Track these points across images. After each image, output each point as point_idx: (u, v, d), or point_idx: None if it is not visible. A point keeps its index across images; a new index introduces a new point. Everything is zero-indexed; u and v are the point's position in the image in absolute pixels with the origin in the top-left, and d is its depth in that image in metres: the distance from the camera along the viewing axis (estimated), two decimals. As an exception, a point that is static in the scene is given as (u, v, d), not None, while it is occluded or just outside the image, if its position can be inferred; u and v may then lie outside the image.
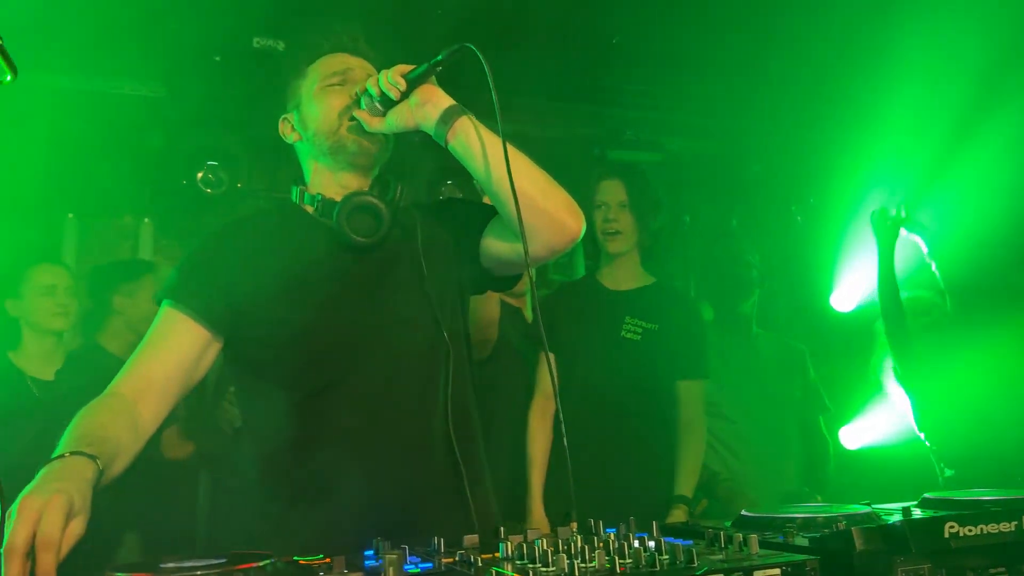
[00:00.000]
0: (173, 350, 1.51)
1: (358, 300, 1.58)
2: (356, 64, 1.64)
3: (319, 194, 1.61)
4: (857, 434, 3.47)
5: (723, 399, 2.91)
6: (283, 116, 1.69)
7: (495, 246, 1.60)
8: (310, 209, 1.62)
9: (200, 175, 3.59)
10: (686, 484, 2.56)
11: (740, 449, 2.93)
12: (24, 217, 3.79)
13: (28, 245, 3.78)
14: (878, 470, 3.21)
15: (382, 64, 1.56)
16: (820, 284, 4.02)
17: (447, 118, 1.48)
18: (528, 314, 2.89)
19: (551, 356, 2.65)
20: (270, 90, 3.65)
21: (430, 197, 3.52)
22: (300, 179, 1.70)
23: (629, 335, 2.64)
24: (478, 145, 1.47)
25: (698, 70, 3.97)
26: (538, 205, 1.45)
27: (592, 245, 2.74)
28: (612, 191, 2.68)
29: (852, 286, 3.87)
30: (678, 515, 2.49)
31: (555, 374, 1.50)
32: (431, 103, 1.49)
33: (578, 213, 1.52)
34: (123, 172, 3.88)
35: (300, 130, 1.65)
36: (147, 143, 3.82)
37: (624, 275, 2.73)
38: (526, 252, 1.42)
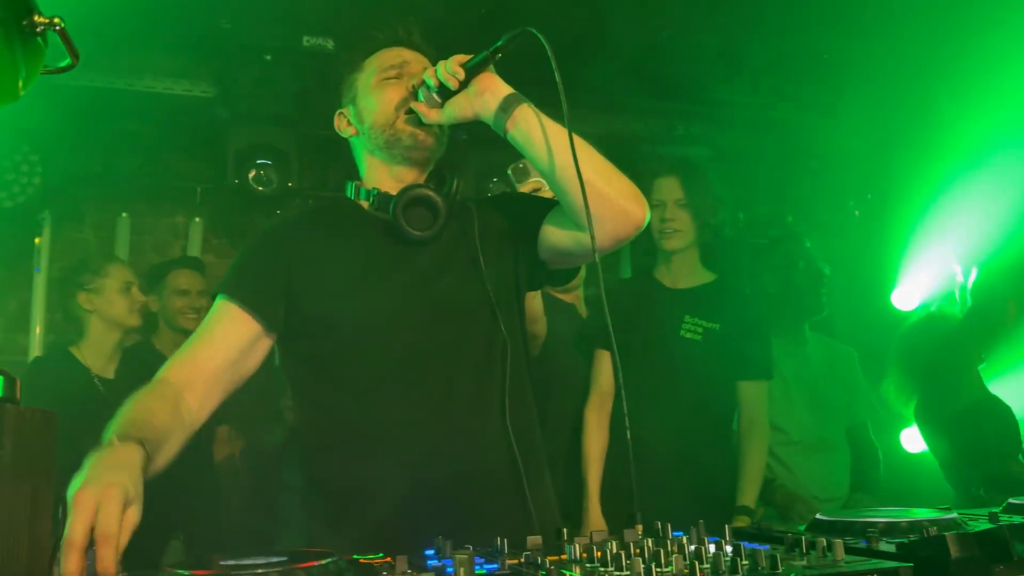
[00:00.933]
0: (223, 341, 1.51)
1: (415, 294, 1.55)
2: (412, 57, 1.63)
3: (375, 188, 1.59)
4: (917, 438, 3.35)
5: (772, 406, 2.83)
6: (339, 111, 1.68)
7: (555, 236, 1.57)
8: (365, 204, 1.61)
9: (251, 174, 3.59)
10: (749, 493, 2.49)
11: (789, 458, 2.82)
12: (79, 216, 3.88)
13: (83, 243, 3.86)
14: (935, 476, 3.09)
15: (437, 57, 1.53)
16: (881, 281, 3.90)
17: (507, 106, 1.45)
18: (582, 309, 2.83)
19: (609, 353, 2.60)
20: (320, 89, 3.71)
21: (478, 195, 3.51)
22: (355, 175, 1.69)
23: (689, 335, 2.56)
24: (539, 133, 1.44)
25: (750, 65, 3.89)
26: (602, 193, 1.42)
27: (648, 242, 2.66)
28: (668, 189, 2.59)
29: (916, 283, 3.75)
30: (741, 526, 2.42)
31: (619, 370, 1.45)
32: (490, 92, 1.47)
33: (642, 200, 1.49)
34: (174, 172, 3.93)
35: (356, 124, 1.64)
36: (198, 142, 3.86)
37: (683, 272, 2.64)
38: (593, 239, 1.38)
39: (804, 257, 2.98)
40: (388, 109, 1.57)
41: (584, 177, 1.38)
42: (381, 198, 1.57)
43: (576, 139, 1.40)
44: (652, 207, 2.55)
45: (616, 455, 2.50)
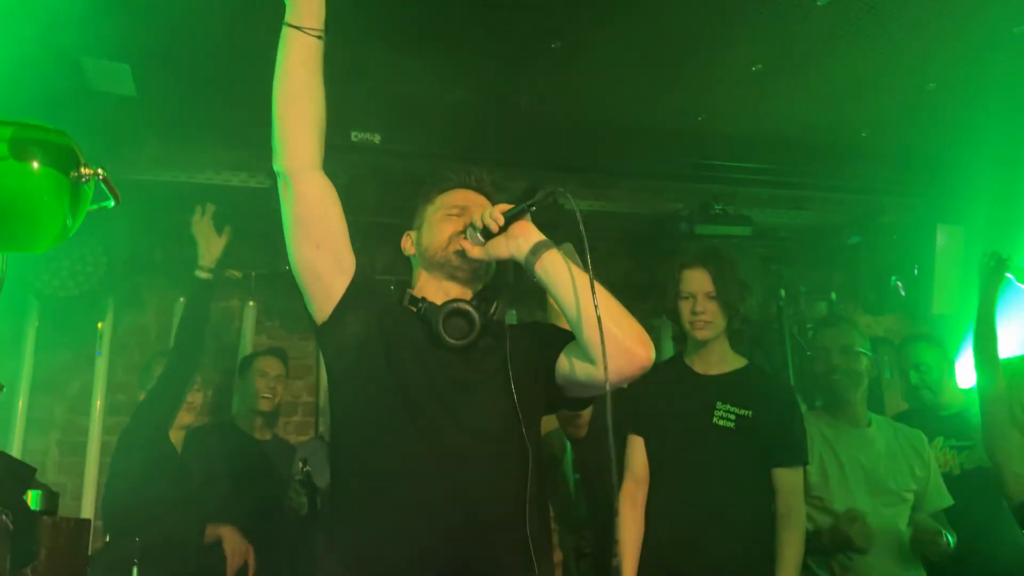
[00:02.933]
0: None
1: (448, 401, 1.69)
2: (476, 200, 1.88)
3: (424, 297, 1.79)
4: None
5: (828, 490, 2.78)
6: (406, 232, 1.94)
7: (569, 366, 1.73)
8: (414, 309, 1.79)
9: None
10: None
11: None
12: (140, 302, 4.07)
13: (144, 328, 4.05)
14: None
15: (499, 200, 1.80)
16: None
17: (536, 250, 1.68)
18: None
19: (642, 439, 2.61)
20: (368, 180, 3.87)
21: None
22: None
23: (722, 422, 2.55)
24: (561, 276, 1.66)
25: (786, 144, 3.95)
26: (613, 334, 1.59)
27: (677, 327, 2.69)
28: (698, 281, 2.61)
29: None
30: None
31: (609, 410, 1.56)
32: (523, 237, 1.70)
33: (648, 344, 1.65)
34: (231, 258, 4.11)
35: (416, 246, 1.89)
36: (254, 231, 4.04)
37: (713, 359, 2.65)
38: (606, 370, 1.54)
39: (853, 340, 2.95)
40: (443, 239, 1.81)
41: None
42: (428, 307, 1.76)
43: (596, 285, 1.59)
44: (682, 298, 2.63)
45: (647, 543, 2.49)
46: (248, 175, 3.88)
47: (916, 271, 4.22)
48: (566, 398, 1.81)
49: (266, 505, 3.38)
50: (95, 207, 1.00)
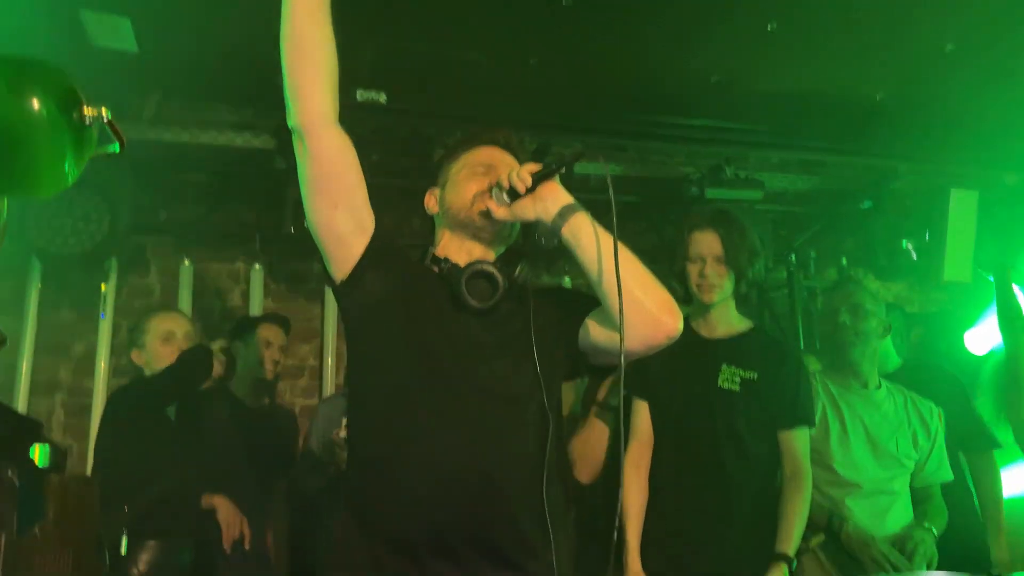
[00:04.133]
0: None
1: (468, 365, 1.66)
2: (503, 159, 1.81)
3: (446, 257, 1.74)
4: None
5: (828, 447, 2.76)
6: (430, 190, 1.87)
7: (594, 332, 1.69)
8: (436, 269, 1.75)
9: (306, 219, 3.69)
10: (787, 541, 2.42)
11: (840, 499, 2.73)
12: (144, 263, 4.04)
13: (147, 289, 4.02)
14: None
15: (527, 161, 1.74)
16: (949, 323, 3.80)
17: (563, 213, 1.62)
18: None
19: (647, 404, 2.59)
20: (373, 140, 3.81)
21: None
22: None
23: (727, 384, 2.53)
24: (586, 239, 1.61)
25: (799, 106, 3.87)
26: (639, 301, 1.56)
27: (684, 290, 2.65)
28: (706, 244, 2.57)
29: (989, 327, 3.63)
30: (776, 574, 2.37)
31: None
32: (551, 199, 1.64)
33: (676, 313, 1.62)
34: (235, 220, 4.07)
35: (440, 205, 1.83)
36: (258, 192, 3.99)
37: (719, 322, 2.62)
38: (622, 340, 1.50)
39: (864, 299, 2.92)
40: (467, 197, 1.75)
41: (624, 285, 1.52)
42: (451, 267, 1.72)
43: (622, 249, 1.56)
44: (690, 261, 2.59)
45: (654, 509, 2.48)
46: (252, 135, 3.82)
47: (927, 237, 4.16)
48: (589, 365, 1.77)
49: (264, 472, 3.37)
50: (100, 151, 0.95)
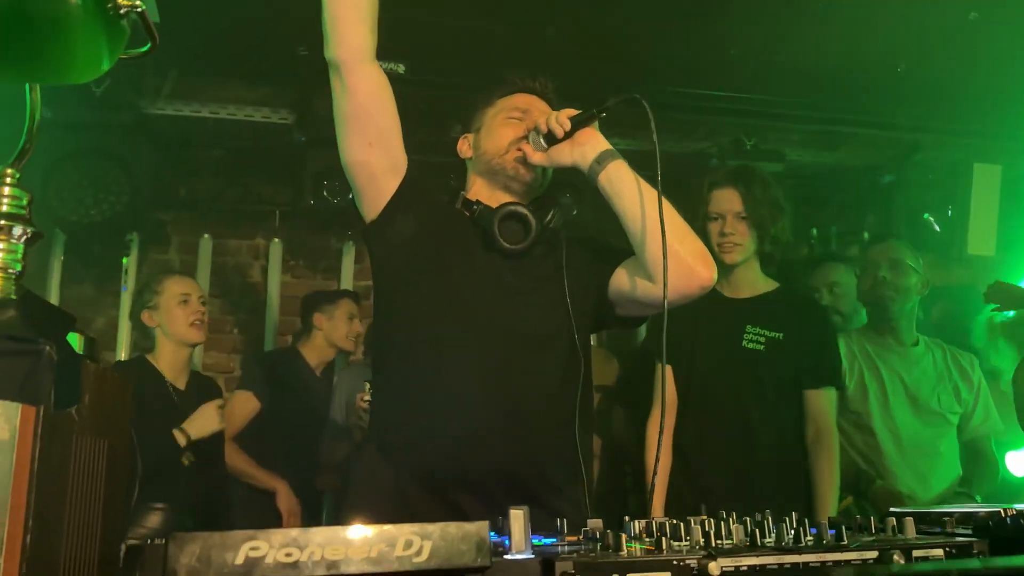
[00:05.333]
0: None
1: (502, 308, 1.66)
2: (539, 106, 1.80)
3: (478, 200, 1.74)
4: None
5: (867, 407, 2.73)
6: (464, 134, 1.87)
7: (624, 282, 1.68)
8: (467, 213, 1.74)
9: (325, 190, 3.69)
10: (823, 509, 2.38)
11: (880, 461, 2.72)
12: (164, 238, 4.06)
13: (168, 264, 4.04)
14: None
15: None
16: (971, 296, 3.75)
17: (601, 159, 1.61)
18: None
19: (668, 368, 2.56)
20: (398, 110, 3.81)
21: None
22: (461, 187, 1.86)
23: (751, 345, 2.50)
24: (624, 186, 1.60)
25: (819, 79, 3.83)
26: (674, 250, 1.54)
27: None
28: (727, 201, 2.53)
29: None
30: None
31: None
32: (589, 144, 1.63)
33: (711, 263, 1.62)
34: (254, 195, 4.08)
35: (474, 149, 1.82)
36: (277, 167, 4.00)
37: (743, 282, 2.58)
38: (665, 284, 1.50)
39: (904, 255, 2.88)
40: (502, 143, 1.74)
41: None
42: (483, 209, 1.71)
43: (660, 199, 1.55)
44: (710, 219, 2.55)
45: (677, 469, 2.46)
46: (271, 110, 3.82)
47: (950, 212, 4.11)
48: (617, 316, 1.75)
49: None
50: (132, 52, 0.95)
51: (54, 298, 3.75)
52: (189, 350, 3.10)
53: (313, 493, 3.42)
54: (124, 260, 3.88)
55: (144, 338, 3.08)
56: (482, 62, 3.62)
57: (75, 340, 0.89)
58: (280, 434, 3.31)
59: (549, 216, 1.72)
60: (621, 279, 1.68)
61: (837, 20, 3.34)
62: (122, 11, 0.87)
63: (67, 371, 0.80)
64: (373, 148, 1.63)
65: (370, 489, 1.63)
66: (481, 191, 1.77)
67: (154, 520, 2.71)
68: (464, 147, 1.85)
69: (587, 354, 1.70)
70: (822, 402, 2.50)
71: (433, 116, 4.00)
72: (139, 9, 0.87)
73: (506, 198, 1.74)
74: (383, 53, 3.52)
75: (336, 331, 3.57)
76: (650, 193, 1.57)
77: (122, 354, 3.86)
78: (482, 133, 1.80)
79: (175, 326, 2.99)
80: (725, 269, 2.59)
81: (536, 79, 1.83)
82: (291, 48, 3.60)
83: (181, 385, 3.03)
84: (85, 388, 0.82)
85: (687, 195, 4.05)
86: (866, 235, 4.07)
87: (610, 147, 1.64)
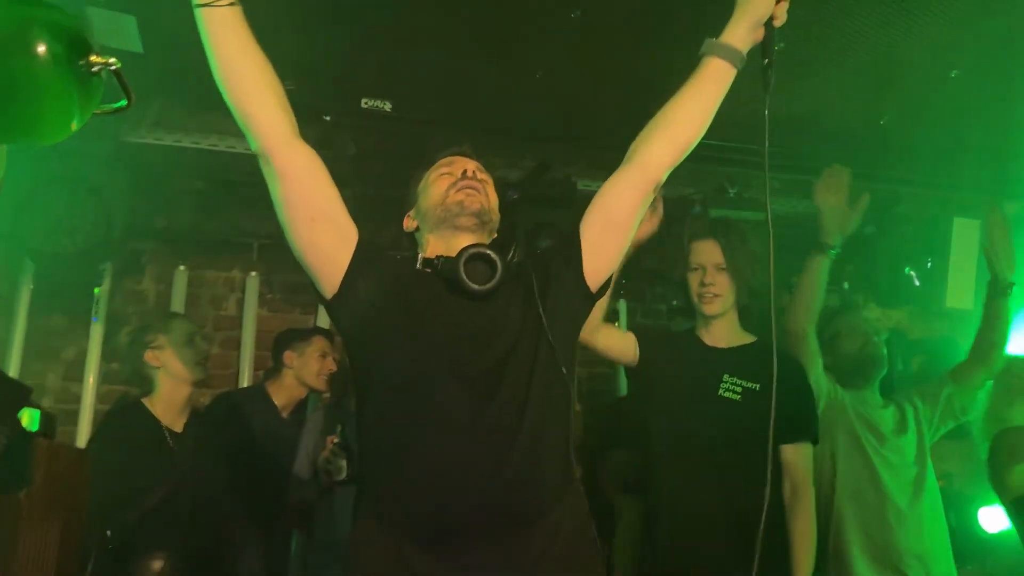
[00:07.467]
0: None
1: (473, 339, 1.64)
2: (462, 160, 1.89)
3: (438, 255, 1.72)
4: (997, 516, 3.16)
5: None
6: (407, 214, 1.90)
7: (605, 191, 1.83)
8: (429, 270, 1.73)
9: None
10: (803, 567, 2.37)
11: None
12: (139, 268, 3.99)
13: (141, 295, 3.97)
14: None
15: (489, 160, 1.87)
16: (949, 351, 3.78)
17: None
18: None
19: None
20: (377, 150, 3.78)
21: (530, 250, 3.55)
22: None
23: (728, 394, 2.51)
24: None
25: (800, 129, 3.86)
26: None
27: (686, 302, 2.64)
28: (707, 253, 2.58)
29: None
30: None
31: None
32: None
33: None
34: (233, 227, 4.03)
35: (418, 217, 1.85)
36: (258, 200, 3.95)
37: (722, 333, 2.62)
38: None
39: (872, 330, 2.95)
40: (441, 190, 1.80)
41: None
42: (445, 260, 1.70)
43: None
44: (691, 270, 2.57)
45: (653, 515, 2.46)
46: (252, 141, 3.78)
47: (929, 264, 4.14)
48: (599, 288, 1.76)
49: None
50: (107, 108, 0.91)
51: (21, 328, 3.66)
52: (190, 390, 3.06)
53: (278, 534, 3.33)
54: (96, 290, 3.80)
55: (140, 379, 3.04)
56: (468, 102, 3.63)
57: (30, 415, 0.84)
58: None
59: (511, 253, 1.73)
60: (603, 200, 1.80)
61: (820, 71, 3.37)
62: (94, 68, 0.84)
63: (17, 451, 0.75)
64: (316, 223, 1.61)
65: (368, 559, 1.58)
66: (437, 246, 1.77)
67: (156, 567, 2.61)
68: (409, 223, 1.89)
69: (572, 372, 1.69)
70: (797, 457, 2.50)
71: (420, 155, 3.99)
72: (113, 67, 0.84)
73: (464, 239, 1.74)
74: (369, 91, 3.56)
75: (307, 368, 3.48)
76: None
77: (89, 386, 3.76)
78: (421, 199, 1.85)
79: (181, 365, 2.98)
80: (705, 320, 2.61)
81: (456, 144, 1.93)
82: (280, 72, 3.58)
83: (178, 428, 2.98)
84: (37, 468, 0.77)
85: (669, 238, 4.09)
86: (846, 285, 4.08)
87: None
